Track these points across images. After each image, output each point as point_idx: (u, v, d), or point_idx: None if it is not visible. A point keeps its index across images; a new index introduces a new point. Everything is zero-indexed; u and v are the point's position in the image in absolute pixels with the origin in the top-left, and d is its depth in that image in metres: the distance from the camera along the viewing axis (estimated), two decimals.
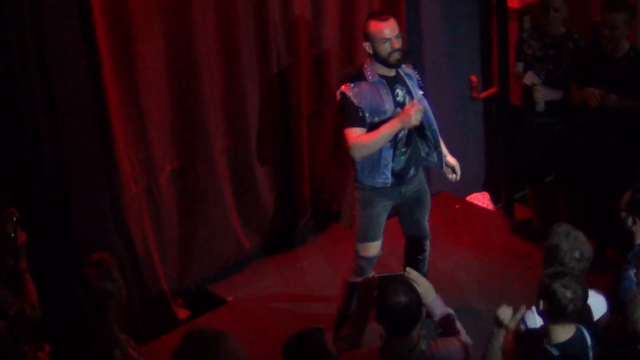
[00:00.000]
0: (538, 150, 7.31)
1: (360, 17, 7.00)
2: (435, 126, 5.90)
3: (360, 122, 5.69)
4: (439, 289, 4.84)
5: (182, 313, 6.68)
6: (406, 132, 5.77)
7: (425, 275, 5.84)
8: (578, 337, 4.47)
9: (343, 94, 5.71)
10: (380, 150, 5.73)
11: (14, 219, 4.72)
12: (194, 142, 6.58)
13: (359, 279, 5.94)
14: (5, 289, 4.68)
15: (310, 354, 4.09)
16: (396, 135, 5.72)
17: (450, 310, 4.78)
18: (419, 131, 5.85)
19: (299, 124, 6.98)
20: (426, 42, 7.55)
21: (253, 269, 7.13)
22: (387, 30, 5.67)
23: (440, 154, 5.96)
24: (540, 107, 7.04)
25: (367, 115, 5.68)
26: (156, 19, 6.13)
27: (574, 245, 4.83)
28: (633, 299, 4.37)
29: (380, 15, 5.79)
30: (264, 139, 6.92)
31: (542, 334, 4.53)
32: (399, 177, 5.87)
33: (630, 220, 5.14)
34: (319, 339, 4.10)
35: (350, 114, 5.70)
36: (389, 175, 5.80)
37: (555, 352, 4.42)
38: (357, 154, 5.72)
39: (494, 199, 8.15)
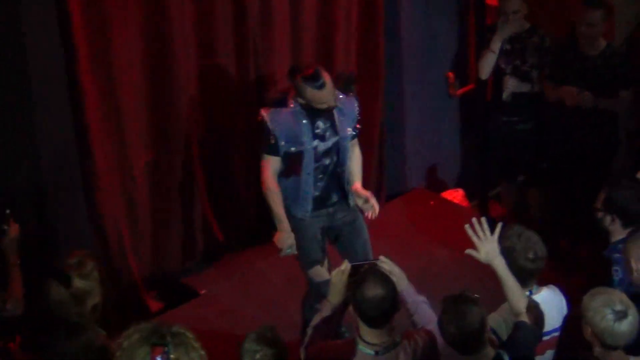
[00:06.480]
0: (504, 148, 7.34)
1: (339, 13, 7.01)
2: (345, 167, 5.84)
3: (273, 150, 5.64)
4: (413, 285, 4.86)
5: (154, 305, 6.67)
6: (323, 162, 5.74)
7: None
8: None
9: (262, 117, 5.65)
10: (299, 182, 5.72)
11: (7, 212, 4.75)
12: (169, 135, 6.57)
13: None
14: None
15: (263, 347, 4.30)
16: (313, 165, 5.71)
17: (423, 298, 4.81)
18: (334, 166, 5.82)
19: None
20: (404, 38, 7.54)
21: (227, 262, 7.12)
22: (324, 99, 5.49)
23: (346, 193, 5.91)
24: (507, 96, 7.06)
25: (282, 143, 5.61)
26: (133, 12, 6.11)
27: (527, 245, 4.74)
28: None
29: (316, 80, 5.47)
30: (239, 132, 6.91)
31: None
32: (320, 202, 5.84)
33: (608, 219, 5.14)
34: (271, 334, 4.33)
35: (265, 140, 5.66)
36: (309, 209, 5.79)
37: None
38: (263, 192, 5.76)
39: (469, 195, 8.16)
